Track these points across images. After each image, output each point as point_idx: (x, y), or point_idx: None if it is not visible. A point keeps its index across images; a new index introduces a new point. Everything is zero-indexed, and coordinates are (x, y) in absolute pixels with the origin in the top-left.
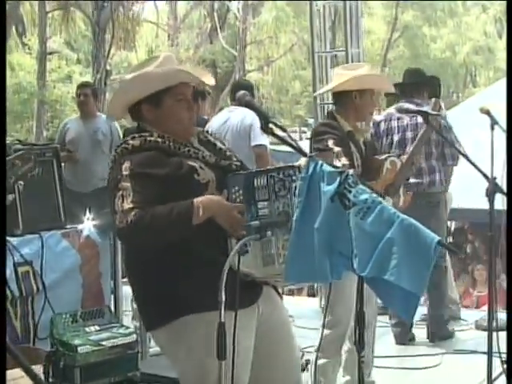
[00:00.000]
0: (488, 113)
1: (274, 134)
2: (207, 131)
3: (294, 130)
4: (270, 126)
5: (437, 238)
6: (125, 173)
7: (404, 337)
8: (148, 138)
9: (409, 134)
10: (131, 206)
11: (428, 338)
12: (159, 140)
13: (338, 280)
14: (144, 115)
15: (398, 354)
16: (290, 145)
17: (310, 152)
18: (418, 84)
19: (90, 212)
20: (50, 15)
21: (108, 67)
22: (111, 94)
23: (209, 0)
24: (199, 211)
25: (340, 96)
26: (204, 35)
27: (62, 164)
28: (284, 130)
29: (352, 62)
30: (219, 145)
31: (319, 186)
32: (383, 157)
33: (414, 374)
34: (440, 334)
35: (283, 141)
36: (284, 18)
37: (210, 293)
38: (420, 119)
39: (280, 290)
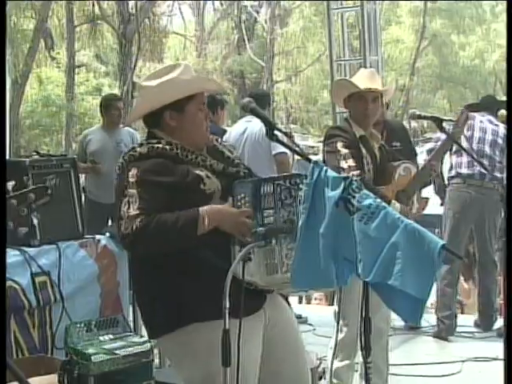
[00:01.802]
0: (502, 121)
1: (279, 141)
2: (216, 139)
3: (322, 140)
4: (275, 132)
5: (441, 242)
6: (131, 180)
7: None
8: (156, 146)
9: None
10: (137, 212)
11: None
12: (167, 147)
13: (344, 285)
14: (165, 122)
15: (417, 361)
16: (295, 151)
17: (323, 155)
18: (491, 107)
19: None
20: (77, 29)
21: (135, 79)
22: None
23: (236, 9)
24: (205, 221)
25: (347, 102)
26: (232, 46)
27: (84, 175)
28: (289, 137)
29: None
30: (227, 153)
31: (324, 192)
32: (397, 163)
33: (433, 381)
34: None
35: (289, 147)
36: (312, 28)
37: (214, 301)
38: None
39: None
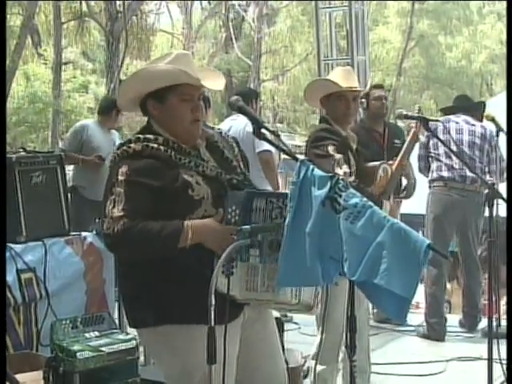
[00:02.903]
0: (493, 120)
1: (266, 139)
2: (220, 133)
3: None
4: (263, 131)
5: (427, 241)
6: (120, 178)
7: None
8: (150, 145)
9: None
10: (121, 214)
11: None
12: (162, 148)
13: (330, 284)
14: (150, 111)
15: (402, 360)
16: (283, 150)
17: (306, 156)
18: (465, 107)
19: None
20: (65, 26)
21: (122, 77)
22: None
23: (223, 8)
24: (188, 235)
25: (325, 102)
26: (219, 45)
27: (71, 170)
28: (276, 136)
29: (358, 69)
30: (226, 154)
31: (310, 191)
32: (377, 164)
33: (418, 380)
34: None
35: (275, 146)
36: (299, 27)
37: (192, 306)
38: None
39: None
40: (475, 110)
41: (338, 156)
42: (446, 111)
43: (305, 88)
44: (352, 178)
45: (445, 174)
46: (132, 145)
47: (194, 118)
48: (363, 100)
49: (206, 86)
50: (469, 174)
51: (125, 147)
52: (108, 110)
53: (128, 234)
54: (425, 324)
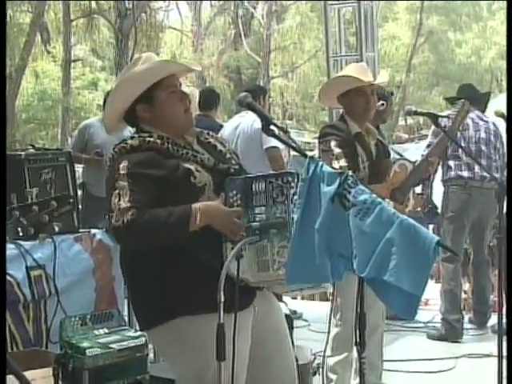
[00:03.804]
0: (503, 116)
1: (275, 136)
2: (208, 132)
3: (318, 137)
4: (271, 127)
5: (436, 238)
6: (122, 172)
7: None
8: (147, 139)
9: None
10: (128, 205)
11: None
12: (158, 141)
13: (339, 281)
14: (140, 116)
15: (412, 357)
16: (291, 146)
17: (319, 153)
18: (469, 98)
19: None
20: (74, 23)
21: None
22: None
23: (233, 5)
24: (197, 218)
25: (343, 98)
26: (228, 41)
27: (81, 167)
28: (285, 132)
29: (367, 65)
30: (219, 147)
31: (319, 187)
32: (393, 160)
33: (427, 377)
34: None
35: (284, 142)
36: (308, 23)
37: (204, 295)
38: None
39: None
40: (480, 101)
41: (337, 150)
42: (452, 102)
43: (322, 86)
44: (349, 173)
45: (465, 173)
46: (129, 141)
47: (185, 107)
48: None
49: (193, 68)
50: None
51: (122, 144)
52: None
53: (137, 224)
54: (438, 324)
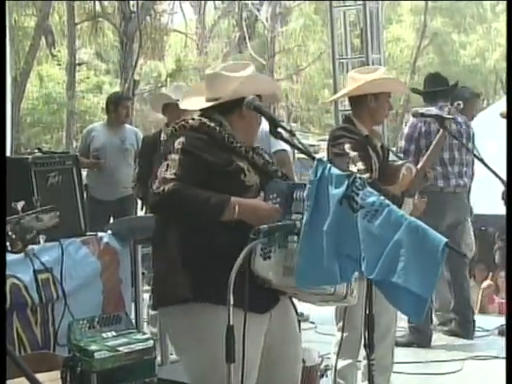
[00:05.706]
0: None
1: (283, 139)
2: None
3: (323, 138)
4: (279, 130)
5: (444, 239)
6: (177, 146)
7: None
8: (207, 123)
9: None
10: (173, 177)
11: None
12: (217, 128)
13: (348, 282)
14: (233, 112)
15: (418, 359)
16: (299, 149)
17: (328, 156)
18: (442, 90)
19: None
20: (78, 26)
21: (136, 77)
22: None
23: (237, 7)
24: (234, 211)
25: (356, 100)
26: (232, 44)
27: (85, 171)
28: (293, 135)
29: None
30: (266, 157)
31: (327, 189)
32: (400, 162)
33: (434, 379)
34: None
35: (292, 145)
36: (312, 26)
37: (226, 287)
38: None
39: None
40: (450, 94)
41: (353, 154)
42: (427, 98)
43: (363, 83)
44: (367, 175)
45: (440, 183)
46: (190, 121)
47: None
48: None
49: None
50: (460, 181)
51: (182, 122)
52: (114, 107)
53: (176, 195)
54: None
